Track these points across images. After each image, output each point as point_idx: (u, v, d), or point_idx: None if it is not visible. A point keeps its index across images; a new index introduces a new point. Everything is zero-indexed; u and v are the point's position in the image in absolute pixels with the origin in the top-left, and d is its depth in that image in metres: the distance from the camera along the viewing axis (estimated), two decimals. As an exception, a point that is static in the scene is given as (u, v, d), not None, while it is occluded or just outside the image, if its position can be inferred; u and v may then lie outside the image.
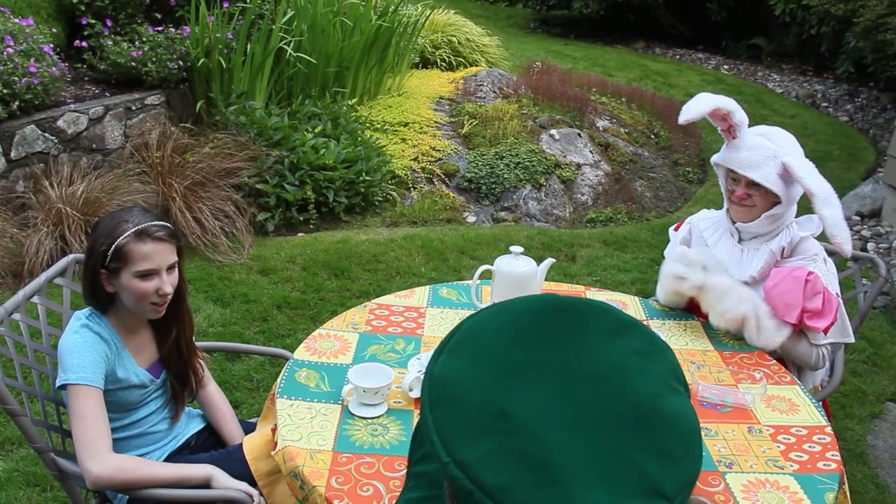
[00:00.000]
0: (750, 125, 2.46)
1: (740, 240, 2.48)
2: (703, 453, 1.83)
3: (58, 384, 1.89)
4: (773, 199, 2.37)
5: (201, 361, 2.19)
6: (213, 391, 2.24)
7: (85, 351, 1.88)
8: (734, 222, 2.47)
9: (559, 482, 0.69)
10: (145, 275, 1.88)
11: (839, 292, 2.40)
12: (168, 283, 1.92)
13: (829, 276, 2.37)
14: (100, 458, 1.83)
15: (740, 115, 2.38)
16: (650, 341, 0.80)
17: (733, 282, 2.35)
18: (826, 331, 2.29)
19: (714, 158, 2.49)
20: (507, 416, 0.72)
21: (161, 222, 1.92)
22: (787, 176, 2.31)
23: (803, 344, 2.31)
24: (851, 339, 2.44)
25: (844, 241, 2.26)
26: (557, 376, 0.75)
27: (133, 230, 1.86)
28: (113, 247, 1.86)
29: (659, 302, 2.59)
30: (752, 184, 2.35)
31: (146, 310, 1.94)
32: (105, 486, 1.85)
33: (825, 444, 1.89)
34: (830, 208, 2.24)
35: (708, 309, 2.36)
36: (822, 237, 2.41)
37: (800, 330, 2.30)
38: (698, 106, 2.39)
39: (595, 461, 0.71)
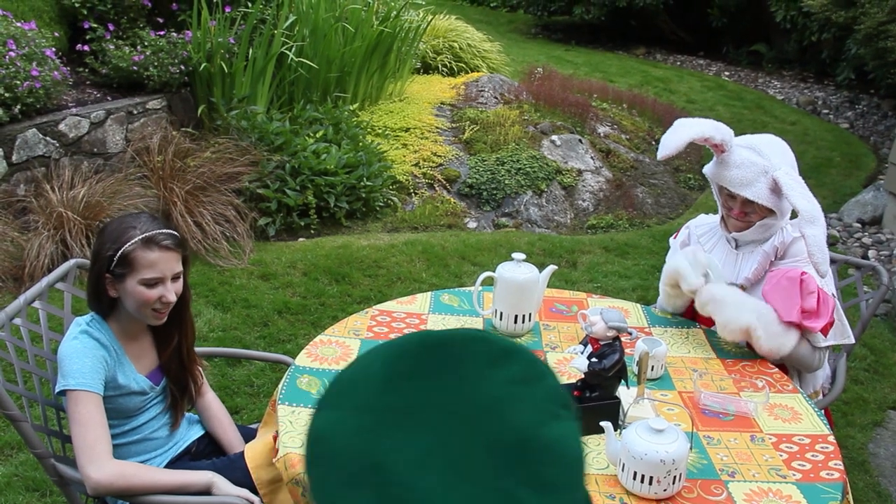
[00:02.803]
0: (750, 132, 2.45)
1: (737, 246, 2.48)
2: (706, 462, 1.84)
3: (57, 390, 1.88)
4: (768, 212, 2.37)
5: (200, 369, 2.18)
6: (210, 399, 2.24)
7: (84, 357, 1.87)
8: (730, 231, 2.47)
9: None
10: (150, 283, 1.88)
11: (836, 293, 2.40)
12: (172, 292, 1.91)
13: (826, 279, 2.36)
14: (100, 464, 1.82)
15: (720, 136, 2.34)
16: (530, 366, 0.77)
17: (731, 291, 2.33)
18: (826, 331, 2.28)
19: (706, 171, 2.48)
20: (381, 468, 0.70)
21: (168, 230, 1.91)
22: (778, 189, 2.30)
23: (805, 347, 2.29)
24: (852, 340, 2.44)
25: (821, 261, 2.23)
26: (434, 418, 0.73)
27: (140, 237, 1.86)
28: (119, 253, 1.85)
29: (660, 308, 2.58)
30: (748, 201, 2.35)
31: (148, 316, 1.94)
32: (105, 491, 1.85)
33: (828, 454, 1.89)
34: (814, 228, 2.22)
35: (714, 318, 2.36)
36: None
37: (801, 334, 2.29)
38: (674, 141, 2.37)
39: (471, 501, 0.69)
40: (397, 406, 0.74)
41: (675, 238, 2.70)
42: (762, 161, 2.31)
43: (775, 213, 2.35)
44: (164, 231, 1.90)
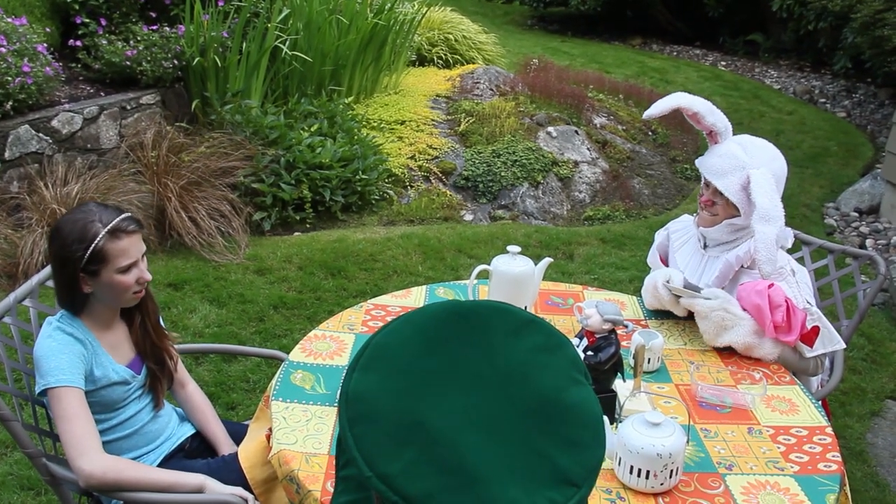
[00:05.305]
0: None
1: (705, 245, 2.46)
2: (704, 455, 1.82)
3: (38, 390, 1.87)
4: (734, 211, 2.33)
5: (171, 343, 2.17)
6: (192, 391, 2.23)
7: (61, 353, 1.86)
8: (699, 226, 2.45)
9: (477, 483, 0.74)
10: (125, 269, 1.90)
11: (812, 302, 2.35)
12: (145, 270, 1.95)
13: (797, 288, 2.32)
14: (90, 457, 1.81)
15: (713, 119, 2.32)
16: (550, 336, 0.84)
17: (709, 307, 2.26)
18: (809, 341, 2.22)
19: (696, 162, 2.47)
20: (423, 427, 0.76)
21: (126, 214, 1.93)
22: (749, 189, 2.26)
23: (789, 354, 2.26)
24: (842, 346, 2.36)
25: (765, 261, 2.18)
26: (467, 381, 0.79)
27: (106, 230, 1.86)
28: (90, 250, 1.84)
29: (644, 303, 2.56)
30: (717, 192, 2.33)
31: (129, 300, 1.97)
32: (97, 484, 1.83)
33: (826, 445, 1.87)
34: (766, 226, 2.17)
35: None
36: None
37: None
38: (662, 103, 2.37)
39: (508, 459, 0.76)
40: (432, 369, 0.80)
41: (658, 232, 2.70)
42: (744, 157, 2.29)
43: (739, 213, 2.31)
44: (124, 217, 1.91)
